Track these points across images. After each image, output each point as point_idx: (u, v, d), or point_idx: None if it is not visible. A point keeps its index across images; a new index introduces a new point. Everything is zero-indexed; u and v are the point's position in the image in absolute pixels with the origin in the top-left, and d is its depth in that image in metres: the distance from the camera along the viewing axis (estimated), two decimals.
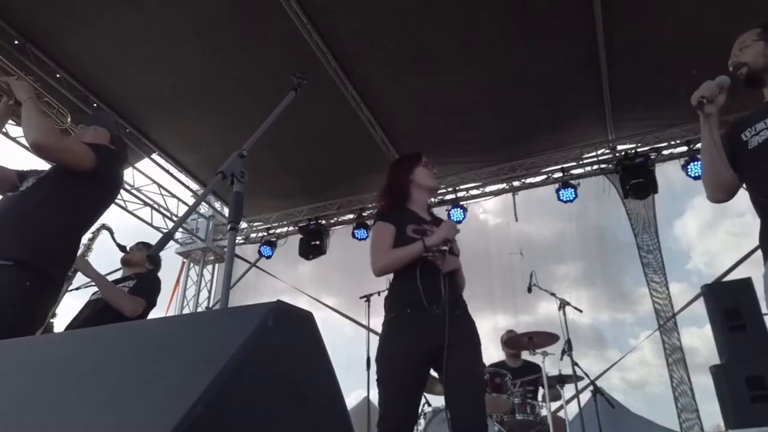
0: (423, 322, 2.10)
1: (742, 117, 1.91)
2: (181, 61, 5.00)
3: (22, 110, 2.20)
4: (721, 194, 1.86)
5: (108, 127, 2.62)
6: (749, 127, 1.84)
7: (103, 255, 3.28)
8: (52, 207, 2.16)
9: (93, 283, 3.07)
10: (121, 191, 6.58)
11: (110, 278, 3.29)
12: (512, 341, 4.51)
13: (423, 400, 4.32)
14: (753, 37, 1.92)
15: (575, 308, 4.39)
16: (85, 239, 3.14)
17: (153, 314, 3.28)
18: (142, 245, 3.45)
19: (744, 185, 1.87)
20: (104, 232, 3.20)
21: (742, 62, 1.90)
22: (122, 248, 3.31)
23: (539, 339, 4.22)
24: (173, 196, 7.19)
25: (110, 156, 2.39)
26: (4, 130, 5.45)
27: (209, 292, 7.87)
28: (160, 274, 3.41)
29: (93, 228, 3.15)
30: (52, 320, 2.95)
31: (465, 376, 2.04)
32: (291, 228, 7.60)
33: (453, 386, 2.04)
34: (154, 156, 6.49)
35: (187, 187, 7.04)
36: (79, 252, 3.07)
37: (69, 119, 2.65)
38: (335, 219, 7.45)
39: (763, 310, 3.48)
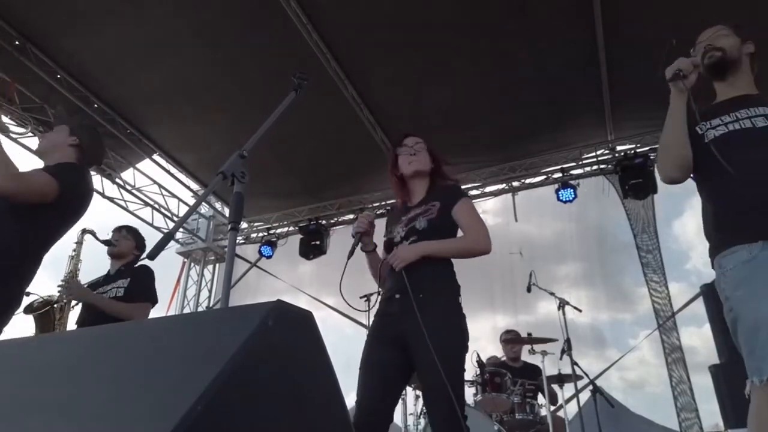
0: (385, 310, 2.15)
1: (695, 111, 1.93)
2: (182, 61, 5.00)
3: None
4: (677, 172, 1.85)
5: (66, 122, 2.57)
6: (704, 122, 1.87)
7: (90, 255, 3.25)
8: (15, 230, 2.13)
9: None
10: (122, 191, 6.65)
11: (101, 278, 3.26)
12: (511, 342, 4.52)
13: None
14: (728, 31, 1.98)
15: (575, 308, 4.40)
16: (70, 250, 3.10)
17: (153, 313, 3.27)
18: (125, 231, 3.36)
19: (693, 176, 1.90)
20: (87, 236, 3.15)
21: (719, 47, 1.93)
22: (108, 243, 3.24)
23: (534, 341, 4.23)
24: (174, 196, 7.20)
25: (73, 175, 2.34)
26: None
27: (210, 291, 7.88)
28: (161, 275, 3.38)
29: (75, 237, 3.10)
30: None
31: (427, 370, 1.88)
32: (291, 228, 7.60)
33: (421, 382, 2.01)
34: (155, 156, 6.49)
35: (188, 188, 7.05)
36: (67, 272, 3.02)
37: (29, 128, 2.61)
38: (335, 219, 7.45)
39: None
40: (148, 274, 3.26)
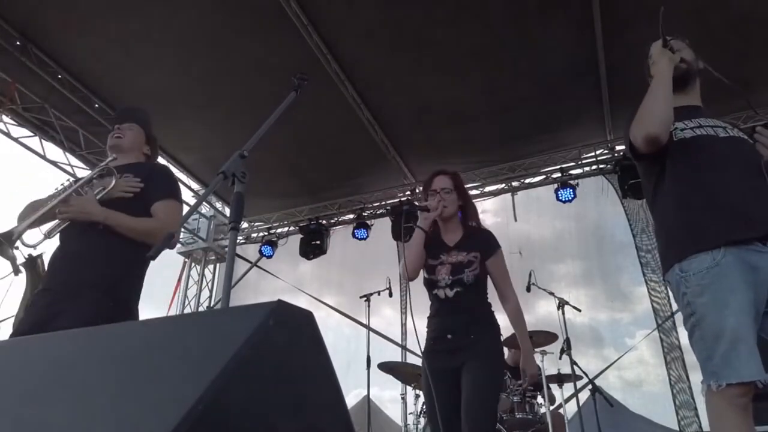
0: (436, 348, 2.48)
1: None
2: (182, 62, 5.01)
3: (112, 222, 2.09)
4: (661, 128, 1.83)
5: (143, 124, 2.49)
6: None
7: None
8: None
9: None
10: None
11: None
12: (511, 340, 4.52)
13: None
14: (685, 45, 2.08)
15: (574, 307, 4.41)
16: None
17: (154, 314, 3.25)
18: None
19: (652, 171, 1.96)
20: None
21: (686, 59, 2.02)
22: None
23: (538, 338, 4.23)
24: None
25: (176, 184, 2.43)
26: (6, 130, 5.47)
27: (210, 291, 7.88)
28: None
29: None
30: None
31: (468, 392, 2.28)
32: (291, 228, 7.61)
33: (464, 398, 2.31)
34: None
35: (189, 187, 7.05)
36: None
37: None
38: (335, 219, 7.46)
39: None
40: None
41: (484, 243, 2.56)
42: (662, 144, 1.84)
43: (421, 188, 5.86)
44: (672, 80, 1.91)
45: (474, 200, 6.64)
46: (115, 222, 2.12)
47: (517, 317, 2.55)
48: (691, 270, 1.71)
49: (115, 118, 2.56)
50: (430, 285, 2.53)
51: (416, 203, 2.69)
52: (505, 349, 4.82)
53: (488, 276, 2.54)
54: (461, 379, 2.32)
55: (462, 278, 2.43)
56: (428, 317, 2.61)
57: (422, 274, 2.58)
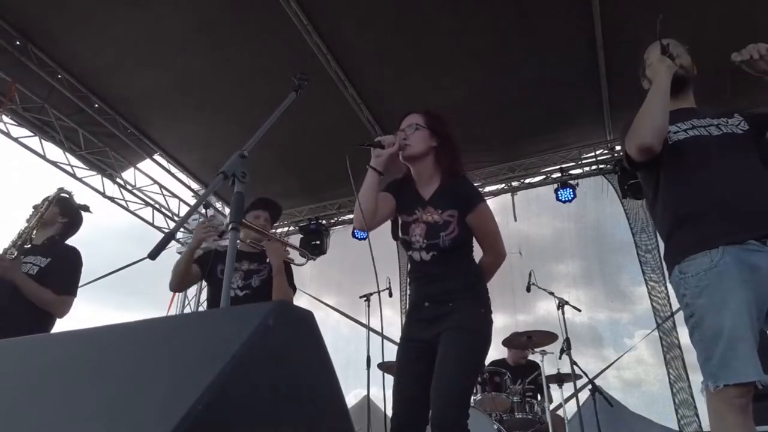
0: (414, 317, 2.21)
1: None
2: (182, 62, 5.01)
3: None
4: (655, 139, 1.83)
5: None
6: None
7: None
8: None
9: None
10: (123, 191, 6.66)
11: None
12: (511, 340, 4.53)
13: None
14: (684, 50, 2.09)
15: (574, 307, 4.41)
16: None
17: (154, 314, 3.21)
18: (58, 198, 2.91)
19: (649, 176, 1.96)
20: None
21: (682, 64, 2.02)
22: (85, 208, 3.06)
23: (538, 338, 4.23)
24: (174, 196, 7.19)
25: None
26: (5, 129, 5.47)
27: None
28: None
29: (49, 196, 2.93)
30: None
31: (437, 367, 1.95)
32: (291, 228, 7.61)
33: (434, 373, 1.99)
34: (156, 156, 6.50)
35: (189, 187, 7.05)
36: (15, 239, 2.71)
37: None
38: (335, 219, 7.46)
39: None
40: (73, 262, 2.86)
41: (462, 197, 2.18)
42: (656, 153, 1.86)
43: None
44: (669, 87, 1.92)
45: None
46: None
47: (489, 269, 2.25)
48: (690, 272, 1.71)
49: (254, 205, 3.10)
50: (405, 245, 2.25)
51: (378, 140, 2.30)
52: (505, 349, 4.86)
53: (470, 236, 2.21)
54: (437, 349, 2.00)
55: (437, 243, 2.12)
56: (408, 277, 2.37)
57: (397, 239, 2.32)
